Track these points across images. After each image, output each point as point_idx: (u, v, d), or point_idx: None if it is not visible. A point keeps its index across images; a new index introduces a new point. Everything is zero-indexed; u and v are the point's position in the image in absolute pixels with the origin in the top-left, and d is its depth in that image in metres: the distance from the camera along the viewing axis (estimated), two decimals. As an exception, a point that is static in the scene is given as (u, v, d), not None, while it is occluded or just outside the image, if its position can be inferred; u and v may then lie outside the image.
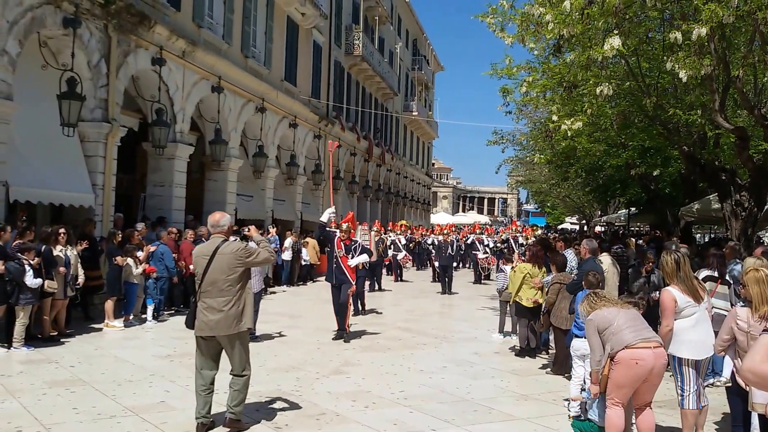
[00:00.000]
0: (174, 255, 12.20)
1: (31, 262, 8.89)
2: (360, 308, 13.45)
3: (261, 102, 19.39)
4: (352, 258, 10.84)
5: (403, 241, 23.43)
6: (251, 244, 6.37)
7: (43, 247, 9.33)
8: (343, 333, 10.51)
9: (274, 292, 16.34)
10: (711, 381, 7.82)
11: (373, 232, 18.28)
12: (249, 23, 18.90)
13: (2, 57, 10.12)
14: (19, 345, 8.82)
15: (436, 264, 19.50)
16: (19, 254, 8.86)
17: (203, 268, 5.76)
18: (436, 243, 21.94)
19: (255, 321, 10.68)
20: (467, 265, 27.16)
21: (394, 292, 18.44)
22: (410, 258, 23.41)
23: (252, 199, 19.60)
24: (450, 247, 18.80)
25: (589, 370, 5.97)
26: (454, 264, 20.65)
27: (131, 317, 11.12)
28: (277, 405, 6.77)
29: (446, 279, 18.14)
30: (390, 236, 22.52)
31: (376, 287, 18.04)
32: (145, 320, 11.31)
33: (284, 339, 10.44)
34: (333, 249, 10.82)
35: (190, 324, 5.88)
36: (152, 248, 11.53)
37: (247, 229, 6.49)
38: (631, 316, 5.31)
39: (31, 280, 8.82)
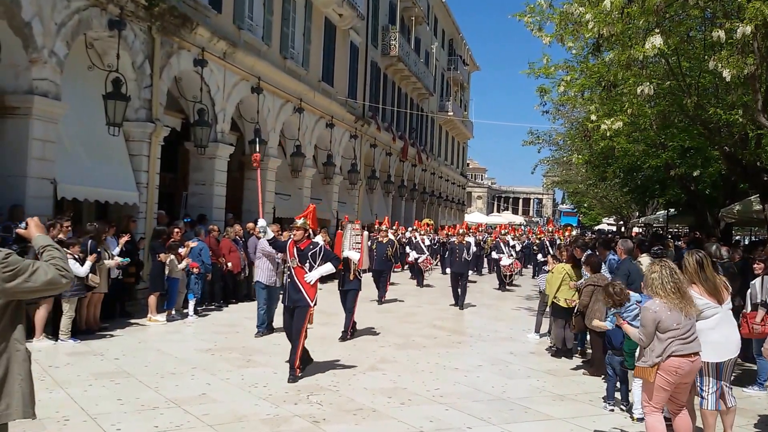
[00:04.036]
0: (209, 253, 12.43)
1: (76, 255, 9.16)
2: (350, 331, 10.66)
3: (299, 102, 19.60)
4: (311, 269, 7.92)
5: (427, 242, 20.65)
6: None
7: (90, 241, 9.61)
8: (293, 373, 7.74)
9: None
10: None
11: (364, 233, 12.26)
12: (288, 24, 19.13)
13: (51, 58, 10.41)
14: (66, 337, 9.10)
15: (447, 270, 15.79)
16: (64, 249, 9.15)
17: None
18: (449, 244, 18.42)
19: (273, 317, 10.53)
20: (488, 270, 24.49)
21: (410, 299, 16.23)
22: (431, 261, 19.95)
23: (289, 198, 19.84)
24: (465, 251, 15.10)
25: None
26: (470, 271, 16.40)
27: (173, 312, 11.38)
28: (315, 399, 6.90)
29: (458, 289, 14.95)
30: (414, 236, 20.35)
31: (380, 298, 15.13)
32: (186, 315, 11.55)
33: (321, 335, 10.52)
34: (287, 258, 8.13)
35: None
36: (193, 244, 11.77)
37: (23, 224, 3.58)
38: (688, 326, 5.18)
39: (80, 269, 9.10)
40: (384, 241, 15.46)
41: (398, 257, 18.27)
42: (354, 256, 10.65)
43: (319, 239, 14.88)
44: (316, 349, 9.40)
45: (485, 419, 6.49)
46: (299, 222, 8.18)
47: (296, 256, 7.94)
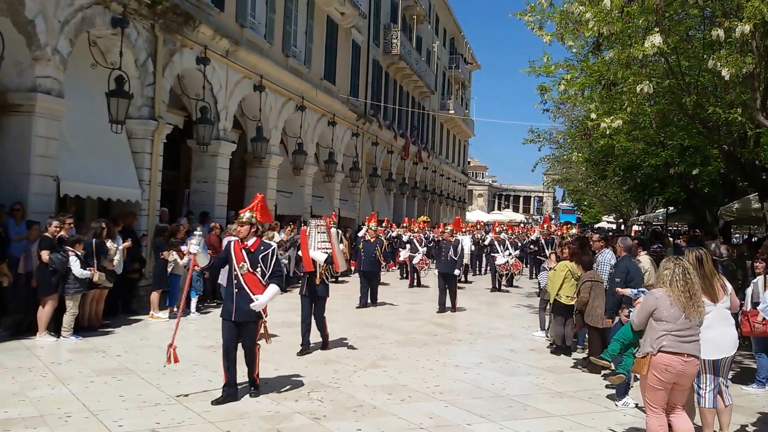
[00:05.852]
0: (210, 251, 12.43)
1: (78, 253, 9.21)
2: (323, 343, 9.40)
3: (301, 100, 19.65)
4: (263, 276, 6.71)
5: (423, 240, 19.36)
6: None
7: (94, 240, 9.67)
8: (254, 385, 6.93)
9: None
10: None
11: (332, 230, 9.76)
12: (290, 23, 19.17)
13: (54, 56, 10.44)
14: (68, 334, 9.15)
15: (435, 271, 14.68)
16: (67, 246, 9.20)
17: None
18: (436, 242, 17.11)
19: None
20: (484, 271, 23.27)
21: (409, 296, 15.97)
22: (427, 261, 18.67)
23: (291, 196, 19.89)
24: (453, 249, 13.63)
25: None
26: (457, 272, 14.24)
27: (175, 309, 11.41)
28: (316, 396, 6.95)
29: (446, 291, 13.71)
30: (407, 234, 19.47)
31: (369, 301, 13.95)
32: (188, 312, 11.59)
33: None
34: (231, 263, 6.77)
35: None
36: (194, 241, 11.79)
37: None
38: (686, 326, 5.16)
39: (79, 270, 9.16)
40: (372, 241, 14.59)
41: (389, 256, 17.46)
42: (320, 257, 9.14)
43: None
44: (315, 346, 9.47)
45: (485, 416, 6.53)
46: (244, 216, 6.80)
47: (246, 259, 6.67)
